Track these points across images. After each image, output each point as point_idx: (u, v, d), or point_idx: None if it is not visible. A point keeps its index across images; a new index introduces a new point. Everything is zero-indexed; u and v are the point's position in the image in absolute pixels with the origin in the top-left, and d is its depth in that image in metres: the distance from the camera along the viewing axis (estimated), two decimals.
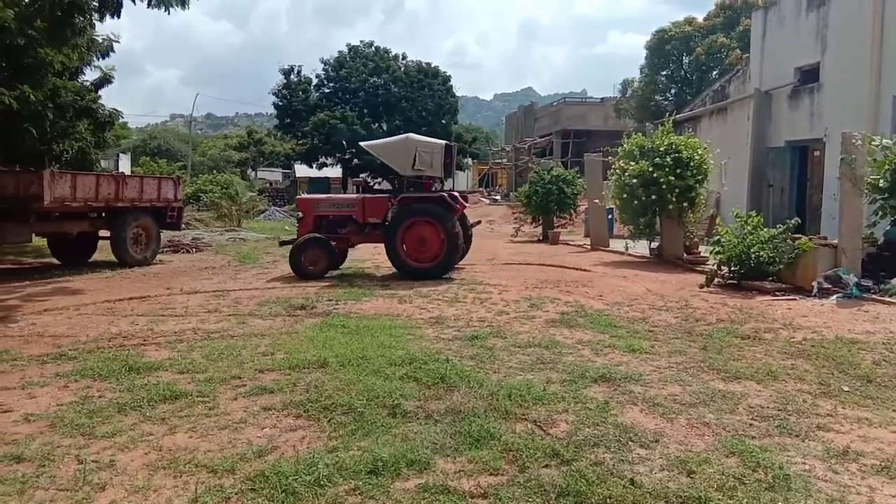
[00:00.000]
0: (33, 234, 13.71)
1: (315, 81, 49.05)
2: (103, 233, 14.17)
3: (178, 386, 5.08)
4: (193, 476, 3.56)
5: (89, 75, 16.93)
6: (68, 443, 4.01)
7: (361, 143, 13.75)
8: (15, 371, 5.63)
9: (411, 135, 12.69)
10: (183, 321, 7.77)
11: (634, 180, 13.55)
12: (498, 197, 42.97)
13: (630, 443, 4.06)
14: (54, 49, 12.95)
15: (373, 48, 49.84)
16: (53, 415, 4.49)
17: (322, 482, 3.44)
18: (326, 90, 49.04)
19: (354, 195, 13.45)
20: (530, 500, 3.31)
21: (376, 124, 47.47)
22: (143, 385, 5.11)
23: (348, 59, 48.75)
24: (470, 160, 54.02)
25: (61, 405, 4.70)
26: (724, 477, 3.57)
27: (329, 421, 4.37)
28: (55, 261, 14.31)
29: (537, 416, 4.48)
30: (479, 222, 14.59)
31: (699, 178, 13.48)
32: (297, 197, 13.63)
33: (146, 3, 10.26)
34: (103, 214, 13.84)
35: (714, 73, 34.78)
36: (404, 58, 49.91)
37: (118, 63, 17.27)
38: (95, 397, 4.87)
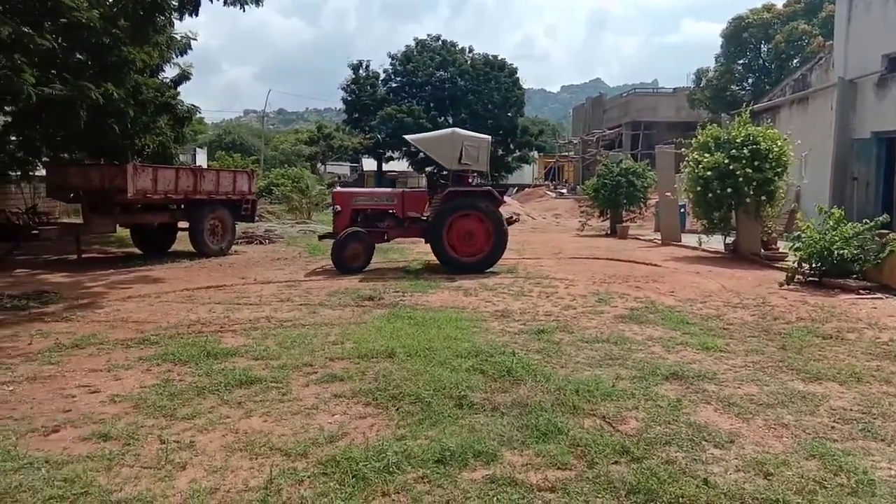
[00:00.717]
0: (117, 225, 14.45)
1: (383, 76, 49.71)
2: (182, 224, 14.74)
3: (254, 372, 5.25)
4: (268, 459, 3.68)
5: (168, 72, 17.64)
6: (151, 423, 4.20)
7: (406, 137, 13.64)
8: (102, 354, 5.94)
9: (457, 129, 12.63)
10: (257, 310, 8.02)
11: (709, 173, 13.14)
12: (564, 190, 42.44)
13: (704, 442, 3.95)
14: (136, 47, 13.52)
15: (440, 42, 50.05)
16: (137, 396, 4.72)
17: (391, 469, 3.49)
18: (394, 84, 49.60)
19: (393, 189, 13.39)
20: (599, 496, 3.27)
21: (442, 118, 47.69)
22: (221, 370, 5.31)
23: (415, 53, 49.13)
24: (536, 153, 53.58)
25: (144, 387, 4.93)
26: (803, 480, 3.43)
27: (397, 410, 4.43)
28: (137, 251, 15.01)
29: (606, 412, 4.42)
30: (515, 219, 14.11)
31: (778, 170, 12.95)
32: (334, 190, 13.13)
33: (223, 1, 10.59)
34: (182, 206, 14.39)
35: (794, 61, 33.34)
36: (471, 51, 49.96)
37: (195, 60, 17.92)
38: (176, 381, 5.09)
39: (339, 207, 11.98)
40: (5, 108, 14.28)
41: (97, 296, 9.21)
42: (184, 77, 17.85)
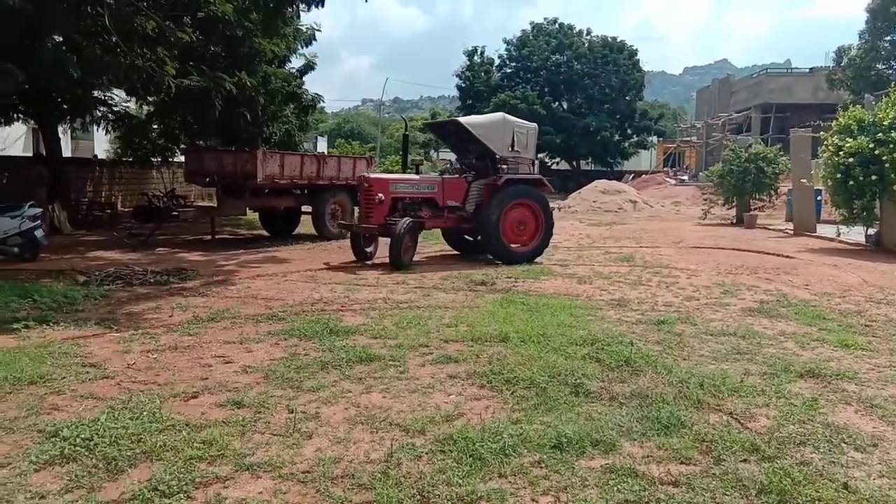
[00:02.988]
0: (247, 208, 15.35)
1: (497, 62, 49.50)
2: (305, 208, 15.41)
3: (373, 349, 5.41)
4: (388, 433, 3.78)
5: (294, 63, 18.47)
6: (280, 393, 4.43)
7: (458, 119, 12.64)
8: (235, 328, 6.33)
9: (507, 115, 12.07)
10: (374, 290, 8.27)
11: (851, 158, 12.14)
12: (685, 177, 40.60)
13: (843, 444, 3.68)
14: (266, 39, 14.23)
15: (556, 25, 49.15)
16: (267, 368, 4.99)
17: (507, 451, 3.49)
18: (508, 70, 49.30)
19: (433, 175, 12.32)
20: (727, 493, 3.11)
21: (556, 103, 46.97)
22: (342, 346, 5.51)
23: (531, 37, 48.54)
24: (655, 139, 51.62)
25: (273, 360, 5.21)
26: None
27: (512, 394, 4.42)
28: (265, 233, 15.87)
29: (734, 408, 4.20)
30: (557, 208, 13.30)
31: None
32: (368, 176, 11.32)
33: None
34: (306, 191, 15.05)
35: None
36: (588, 33, 48.71)
37: (318, 51, 18.63)
38: (302, 355, 5.34)
39: (381, 196, 10.55)
40: (148, 98, 15.47)
41: (230, 274, 9.84)
42: (309, 67, 18.62)
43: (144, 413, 3.98)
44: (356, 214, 11.33)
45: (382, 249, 11.00)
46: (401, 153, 13.29)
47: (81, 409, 4.11)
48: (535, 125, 12.27)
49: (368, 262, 10.89)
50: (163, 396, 4.34)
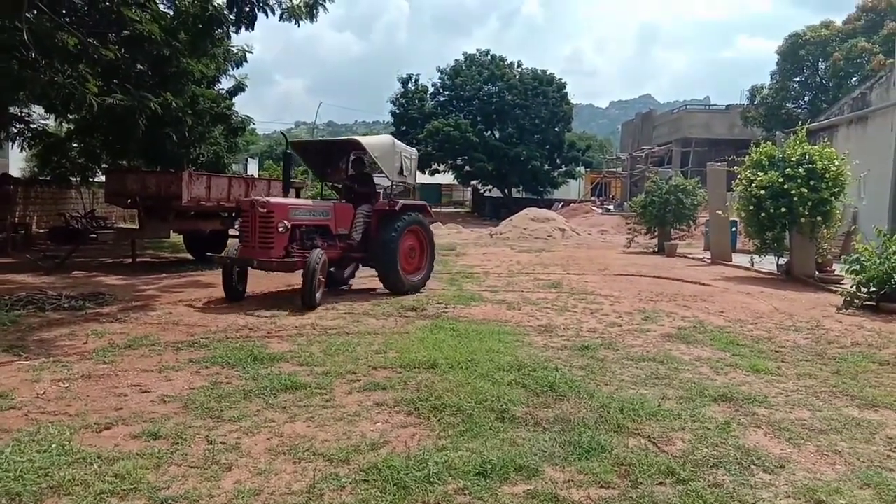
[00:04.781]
0: (171, 231, 14.87)
1: (431, 90, 50.13)
2: (232, 231, 15.05)
3: (298, 377, 5.32)
4: (311, 463, 3.72)
5: (224, 84, 18.16)
6: (199, 424, 4.29)
7: (355, 137, 11.98)
8: (153, 355, 6.10)
9: (395, 139, 11.40)
10: (302, 317, 8.14)
11: (762, 191, 12.83)
12: (611, 206, 41.97)
13: (753, 466, 3.84)
14: (194, 59, 13.96)
15: (488, 56, 50.29)
16: (186, 397, 4.83)
17: (432, 479, 3.49)
18: (442, 98, 49.99)
19: (325, 201, 10.96)
20: None
21: (489, 131, 47.84)
22: (267, 374, 5.40)
23: (464, 67, 49.45)
24: (583, 169, 53.20)
25: (193, 389, 5.05)
26: None
27: (438, 420, 4.43)
28: (189, 256, 15.40)
29: (651, 431, 4.33)
30: None
31: (835, 190, 12.57)
32: (267, 200, 9.59)
33: (278, 16, 10.87)
34: (233, 214, 14.72)
35: (854, 79, 32.36)
36: (520, 65, 50.01)
37: (250, 73, 18.41)
38: (224, 383, 5.19)
39: (286, 224, 9.21)
40: (69, 116, 14.89)
41: (150, 299, 9.49)
42: (239, 88, 18.36)
43: (53, 445, 3.79)
44: (230, 244, 9.58)
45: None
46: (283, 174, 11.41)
47: None
48: (416, 150, 12.04)
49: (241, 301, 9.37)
50: (73, 428, 4.13)
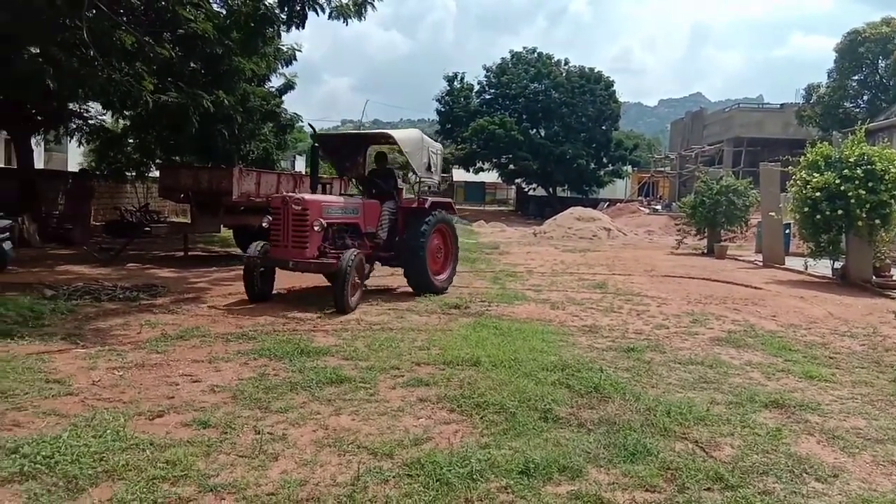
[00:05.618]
0: (221, 226, 15.21)
1: (477, 88, 50.08)
2: None
3: (343, 371, 5.38)
4: (356, 456, 3.76)
5: (274, 82, 18.48)
6: (247, 414, 4.38)
7: (387, 131, 11.60)
8: (204, 346, 6.26)
9: (423, 133, 10.98)
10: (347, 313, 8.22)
11: (818, 193, 12.44)
12: (658, 207, 41.23)
13: (804, 475, 3.74)
14: (246, 58, 14.23)
15: (535, 54, 49.97)
16: (235, 388, 4.93)
17: (475, 476, 3.48)
18: (487, 96, 49.91)
19: (355, 198, 10.37)
20: None
21: (534, 130, 47.55)
22: (313, 367, 5.47)
23: (510, 65, 49.25)
24: (630, 168, 52.41)
25: (242, 379, 5.16)
26: None
27: (481, 418, 4.42)
28: (238, 251, 15.71)
29: (699, 436, 4.24)
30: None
31: (894, 193, 12.09)
32: (302, 197, 8.98)
33: (327, 15, 10.99)
34: None
35: None
36: (566, 63, 49.57)
37: (298, 71, 18.68)
38: (271, 375, 5.29)
39: (322, 222, 8.73)
40: (125, 112, 15.36)
41: (201, 291, 9.73)
42: (288, 87, 18.66)
43: (108, 431, 3.91)
44: (257, 244, 9.11)
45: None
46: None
47: (43, 426, 4.02)
48: (441, 146, 11.67)
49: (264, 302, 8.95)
50: (127, 414, 4.26)
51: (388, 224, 9.93)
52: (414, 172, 10.59)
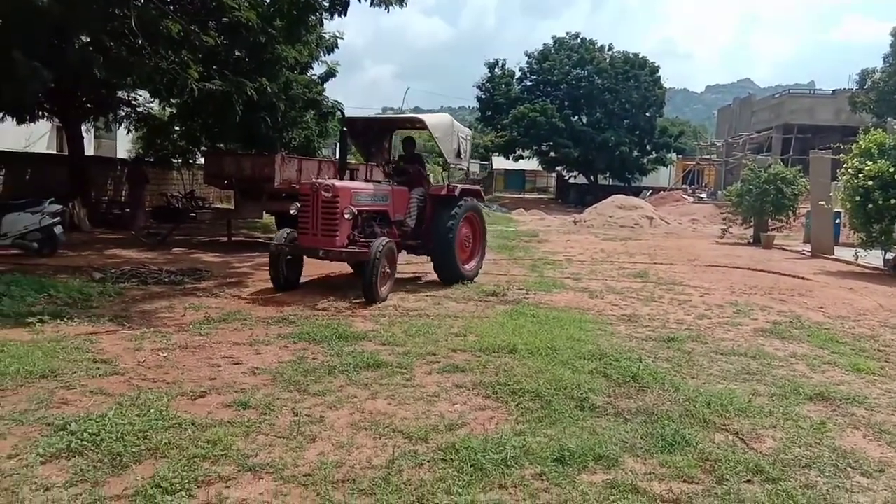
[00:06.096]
0: (264, 212, 15.46)
1: (518, 75, 49.58)
2: None
3: (380, 356, 5.44)
4: (391, 440, 3.80)
5: (316, 69, 18.59)
6: (286, 396, 4.46)
7: (418, 115, 11.16)
8: (245, 329, 6.39)
9: (451, 117, 10.65)
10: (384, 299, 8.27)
11: (871, 182, 12.03)
12: (704, 195, 40.35)
13: (849, 469, 3.64)
14: (289, 45, 14.37)
15: (578, 40, 49.18)
16: (275, 370, 5.03)
17: (509, 462, 3.49)
18: (529, 83, 49.36)
19: (383, 184, 9.91)
20: None
21: (576, 116, 46.91)
22: (350, 352, 5.55)
23: (553, 51, 48.58)
24: (675, 155, 51.36)
25: (282, 362, 5.25)
26: None
27: (517, 405, 4.42)
28: None
29: (740, 428, 4.17)
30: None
31: None
32: (333, 183, 8.60)
33: (369, 2, 11.00)
34: None
35: None
36: (610, 49, 48.65)
37: (340, 58, 18.75)
38: (310, 359, 5.38)
39: (353, 210, 8.48)
40: (171, 100, 15.69)
41: (244, 276, 9.92)
42: (330, 74, 18.75)
43: (151, 410, 4.03)
44: (283, 231, 8.95)
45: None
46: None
47: (90, 405, 4.17)
48: (470, 131, 11.26)
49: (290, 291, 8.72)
50: (170, 395, 4.38)
51: (416, 211, 9.67)
52: (444, 158, 10.38)
